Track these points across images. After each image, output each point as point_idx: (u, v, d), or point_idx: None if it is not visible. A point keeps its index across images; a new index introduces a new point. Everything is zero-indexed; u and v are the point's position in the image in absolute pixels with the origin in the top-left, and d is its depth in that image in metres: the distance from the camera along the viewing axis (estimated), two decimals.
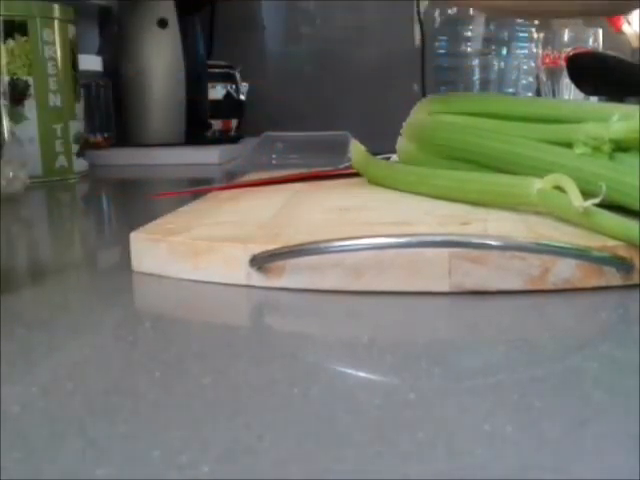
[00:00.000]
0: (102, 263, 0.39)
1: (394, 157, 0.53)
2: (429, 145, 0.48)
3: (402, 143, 0.53)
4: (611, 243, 0.28)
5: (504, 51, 1.21)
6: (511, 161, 0.37)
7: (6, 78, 0.75)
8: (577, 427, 0.17)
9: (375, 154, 0.54)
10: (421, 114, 0.50)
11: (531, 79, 1.23)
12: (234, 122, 1.26)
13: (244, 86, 1.30)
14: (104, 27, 1.20)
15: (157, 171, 0.95)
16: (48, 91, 0.78)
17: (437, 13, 1.22)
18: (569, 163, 0.34)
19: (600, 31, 1.15)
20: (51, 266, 0.37)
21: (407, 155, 0.51)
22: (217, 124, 1.22)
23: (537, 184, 0.33)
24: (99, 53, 1.13)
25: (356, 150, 0.53)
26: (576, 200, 0.29)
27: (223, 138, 1.21)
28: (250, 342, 0.24)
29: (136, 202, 0.67)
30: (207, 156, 1.01)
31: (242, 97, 1.28)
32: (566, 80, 1.01)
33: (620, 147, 0.33)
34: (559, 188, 0.31)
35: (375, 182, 0.49)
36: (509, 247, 0.27)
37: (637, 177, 0.30)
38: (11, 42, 0.76)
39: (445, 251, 0.28)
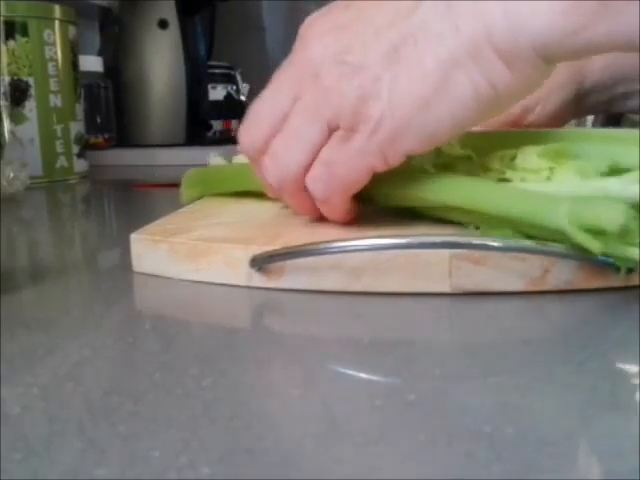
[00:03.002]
0: (102, 264, 0.39)
1: None
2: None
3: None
4: None
5: None
6: None
7: (7, 79, 0.75)
8: (578, 428, 0.17)
9: None
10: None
11: None
12: (234, 123, 1.26)
13: (244, 87, 1.30)
14: (105, 28, 1.20)
15: (157, 172, 0.95)
16: (49, 92, 0.78)
17: None
18: None
19: None
20: (51, 266, 0.37)
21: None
22: (217, 125, 1.22)
23: None
24: (100, 54, 1.13)
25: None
26: None
27: (223, 139, 1.21)
28: (250, 343, 0.24)
29: (137, 203, 0.67)
30: (207, 157, 1.01)
31: (243, 98, 1.29)
32: None
33: None
34: None
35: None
36: (510, 248, 0.27)
37: None
38: (12, 43, 0.76)
39: (446, 252, 0.28)
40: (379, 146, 0.29)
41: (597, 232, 0.24)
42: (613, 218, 0.24)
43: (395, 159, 0.30)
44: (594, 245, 0.24)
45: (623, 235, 0.24)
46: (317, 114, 0.30)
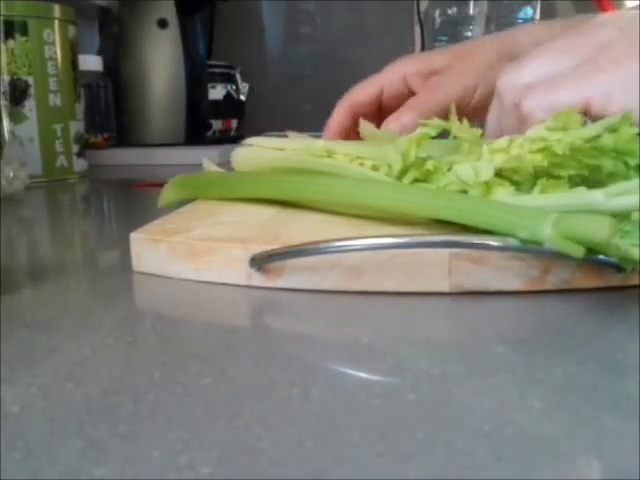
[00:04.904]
0: (102, 263, 0.39)
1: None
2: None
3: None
4: None
5: None
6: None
7: (6, 78, 0.75)
8: (577, 428, 0.17)
9: None
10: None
11: None
12: (234, 122, 1.26)
13: (244, 86, 1.30)
14: (104, 27, 1.20)
15: (157, 171, 0.95)
16: (48, 91, 0.78)
17: (437, 13, 1.22)
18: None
19: None
20: (51, 266, 0.37)
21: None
22: (217, 124, 1.22)
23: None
24: (99, 53, 1.13)
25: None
26: None
27: (223, 138, 1.21)
28: (250, 342, 0.24)
29: (136, 202, 0.67)
30: (207, 156, 1.01)
31: (242, 97, 1.29)
32: None
33: None
34: None
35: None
36: (509, 248, 0.27)
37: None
38: (11, 42, 0.76)
39: (445, 251, 0.28)
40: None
41: (582, 244, 0.25)
42: (599, 231, 0.24)
43: (615, 105, 0.31)
44: (578, 251, 0.25)
45: (607, 247, 0.25)
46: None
